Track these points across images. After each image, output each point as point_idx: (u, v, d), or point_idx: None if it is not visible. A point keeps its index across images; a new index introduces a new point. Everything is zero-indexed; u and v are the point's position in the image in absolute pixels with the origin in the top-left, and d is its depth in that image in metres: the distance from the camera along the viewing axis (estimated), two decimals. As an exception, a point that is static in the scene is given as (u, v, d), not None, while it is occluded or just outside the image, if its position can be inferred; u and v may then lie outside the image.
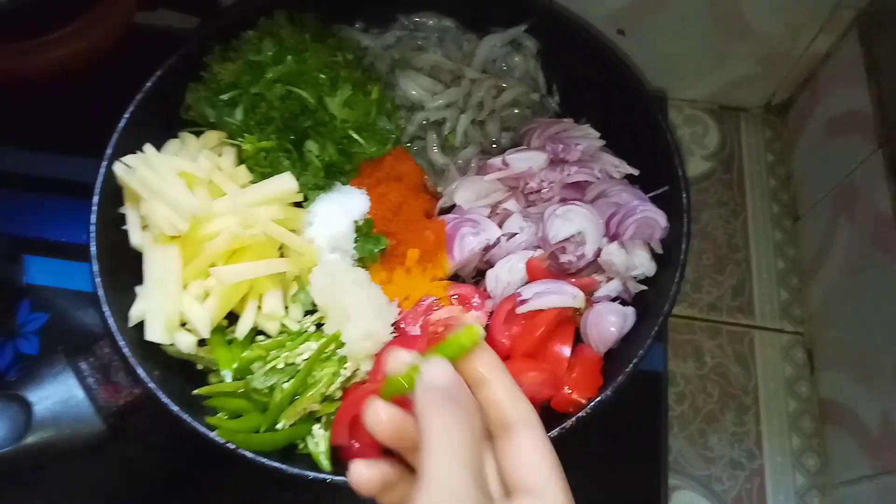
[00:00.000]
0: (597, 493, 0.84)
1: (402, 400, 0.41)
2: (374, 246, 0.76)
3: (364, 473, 0.41)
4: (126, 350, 0.63)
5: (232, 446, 0.60)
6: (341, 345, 0.68)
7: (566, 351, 0.69)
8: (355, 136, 0.77)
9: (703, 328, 1.11)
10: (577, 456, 0.84)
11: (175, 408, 0.60)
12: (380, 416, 0.41)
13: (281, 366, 0.67)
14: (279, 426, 0.65)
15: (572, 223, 0.71)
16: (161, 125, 0.78)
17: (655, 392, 0.87)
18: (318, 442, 0.66)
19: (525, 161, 0.75)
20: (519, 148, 0.78)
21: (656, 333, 0.64)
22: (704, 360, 1.09)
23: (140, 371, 0.62)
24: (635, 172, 0.77)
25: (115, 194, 0.73)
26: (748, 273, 1.15)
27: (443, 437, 0.37)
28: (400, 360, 0.43)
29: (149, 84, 0.76)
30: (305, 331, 0.72)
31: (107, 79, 0.84)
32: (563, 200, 0.74)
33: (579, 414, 0.62)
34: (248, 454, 0.59)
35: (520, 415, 0.41)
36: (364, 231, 0.76)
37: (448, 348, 0.42)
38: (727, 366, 1.09)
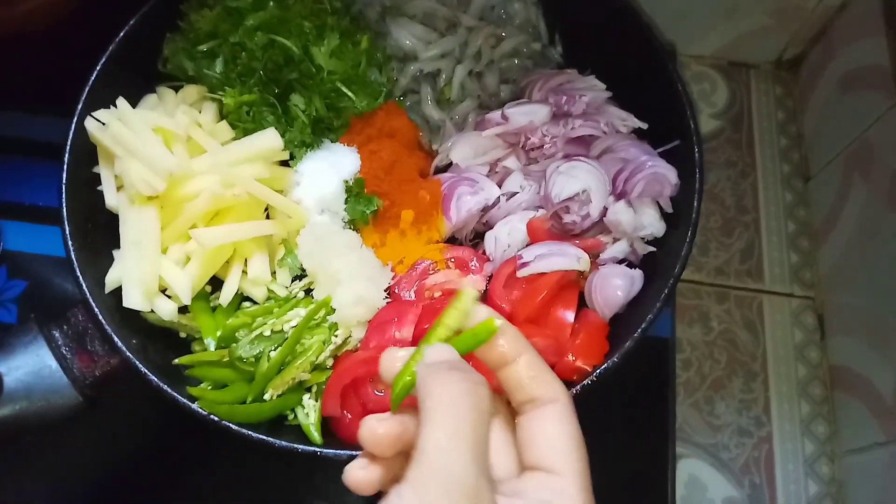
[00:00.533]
0: (601, 463, 0.82)
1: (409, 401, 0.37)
2: (365, 207, 0.72)
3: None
4: (101, 317, 0.59)
5: (215, 418, 0.56)
6: (332, 311, 0.65)
7: (570, 316, 0.65)
8: (344, 89, 0.72)
9: (710, 293, 1.08)
10: (582, 423, 0.82)
11: (154, 378, 0.57)
12: (377, 433, 0.36)
13: (268, 333, 0.63)
14: (266, 397, 0.61)
15: (577, 180, 0.67)
16: (137, 79, 0.73)
17: (662, 359, 0.84)
18: (309, 413, 0.63)
19: (526, 115, 0.70)
20: (519, 101, 0.73)
21: (666, 297, 0.60)
22: (711, 325, 1.06)
23: (116, 339, 0.58)
24: (644, 126, 0.72)
25: (88, 153, 0.69)
26: (757, 236, 1.11)
27: (442, 411, 0.33)
28: (396, 358, 0.38)
29: (121, 34, 0.71)
30: (294, 296, 0.68)
31: (79, 33, 0.79)
32: (567, 156, 0.69)
33: (584, 382, 0.58)
34: (233, 426, 0.56)
35: (545, 391, 0.38)
36: (355, 191, 0.72)
37: (462, 343, 0.38)
38: (735, 331, 1.06)
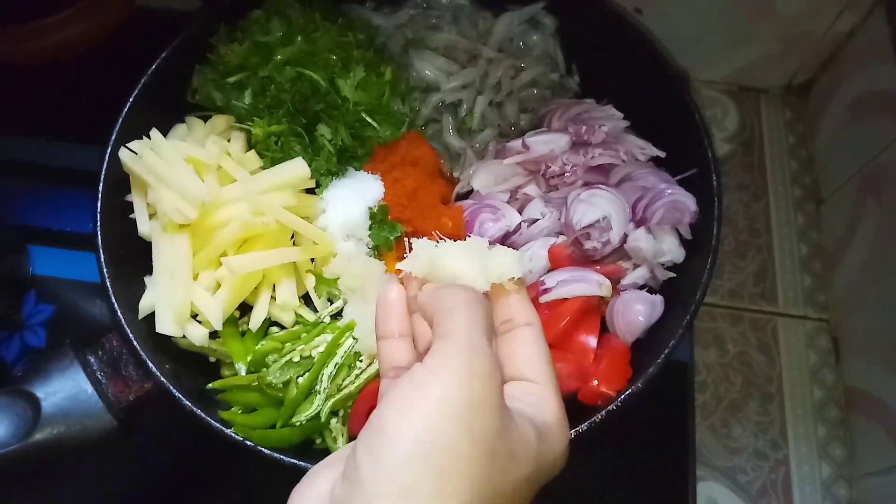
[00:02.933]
0: (623, 485, 0.83)
1: None
2: (389, 233, 0.73)
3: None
4: (136, 343, 0.60)
5: (249, 443, 0.57)
6: (354, 337, 0.66)
7: (592, 341, 0.67)
8: (368, 119, 0.74)
9: (724, 315, 1.08)
10: (602, 446, 0.83)
11: (188, 403, 0.58)
12: (389, 295, 0.46)
13: (296, 359, 0.64)
14: (295, 420, 0.62)
15: (597, 208, 0.68)
16: (167, 109, 0.75)
17: (682, 383, 0.84)
18: (336, 437, 0.64)
19: (546, 143, 0.72)
20: (539, 130, 0.75)
21: (688, 323, 0.62)
22: (727, 347, 1.07)
23: (151, 364, 0.59)
24: (662, 154, 0.73)
25: (121, 182, 0.71)
26: (770, 259, 1.12)
27: (460, 307, 0.41)
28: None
29: (153, 67, 0.73)
30: (321, 321, 0.69)
31: (111, 63, 0.82)
32: (587, 184, 0.71)
33: (609, 407, 0.59)
34: (266, 451, 0.57)
35: (523, 314, 0.45)
36: (379, 218, 0.74)
37: None
38: (750, 354, 1.07)
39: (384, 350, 0.45)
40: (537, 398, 0.42)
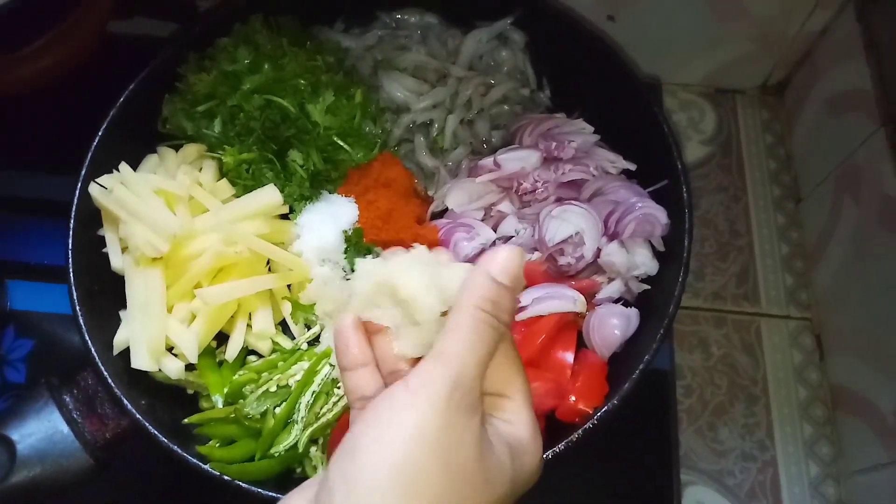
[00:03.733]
0: (607, 494, 0.83)
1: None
2: (364, 256, 0.73)
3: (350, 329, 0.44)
4: (110, 380, 0.60)
5: (227, 478, 0.57)
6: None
7: (569, 357, 0.67)
8: (340, 142, 0.74)
9: (707, 318, 1.09)
10: (586, 457, 0.83)
11: (164, 439, 0.58)
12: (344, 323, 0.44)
13: (273, 388, 0.64)
14: (273, 451, 0.62)
15: (569, 223, 0.68)
16: (138, 139, 0.75)
17: (663, 391, 0.85)
18: (316, 465, 0.64)
19: (517, 161, 0.72)
20: (510, 147, 0.75)
21: (662, 337, 0.62)
22: (711, 350, 1.07)
23: (126, 402, 0.59)
24: (632, 167, 0.74)
25: (93, 215, 0.70)
26: (751, 259, 1.12)
27: (468, 328, 0.39)
28: None
29: (122, 99, 0.73)
30: (298, 348, 0.69)
31: (82, 91, 0.81)
32: (559, 200, 0.71)
33: (585, 426, 0.59)
34: (244, 485, 0.57)
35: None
36: (354, 241, 0.74)
37: None
38: (734, 356, 1.07)
39: (349, 381, 0.44)
40: (510, 413, 0.41)
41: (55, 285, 0.86)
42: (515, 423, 0.41)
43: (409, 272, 0.41)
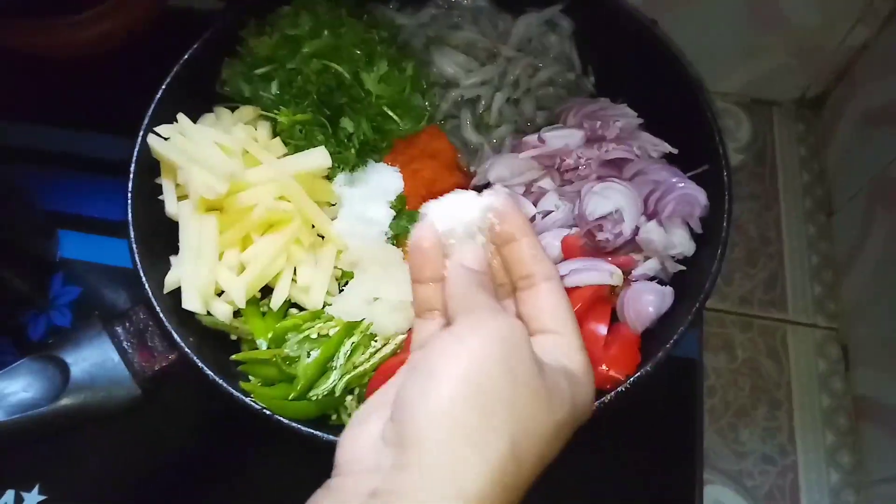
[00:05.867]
0: (628, 482, 0.83)
1: None
2: (407, 223, 0.76)
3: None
4: (162, 315, 0.63)
5: (268, 412, 0.59)
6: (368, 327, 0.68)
7: (602, 329, 0.68)
8: (390, 112, 0.76)
9: (734, 321, 1.09)
10: (609, 444, 0.84)
11: (210, 372, 0.60)
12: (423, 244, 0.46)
13: (314, 336, 0.66)
14: (311, 395, 0.64)
15: (610, 200, 0.70)
16: (196, 99, 0.78)
17: (691, 380, 0.85)
18: (351, 413, 0.65)
19: (562, 138, 0.74)
20: (555, 126, 0.77)
21: (697, 310, 0.63)
22: (736, 353, 1.07)
23: (176, 336, 0.62)
24: (674, 151, 0.75)
25: (151, 166, 0.73)
26: (781, 267, 1.13)
27: (474, 284, 0.44)
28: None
29: (184, 58, 0.76)
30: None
31: (142, 57, 0.85)
32: (601, 178, 0.73)
33: (618, 389, 0.60)
34: (283, 420, 0.59)
35: (542, 269, 0.45)
36: (398, 207, 0.76)
37: None
38: (759, 360, 1.07)
39: (419, 293, 0.47)
40: (564, 349, 0.44)
41: (105, 238, 0.90)
42: (570, 356, 0.43)
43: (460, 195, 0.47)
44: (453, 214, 0.46)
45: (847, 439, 1.02)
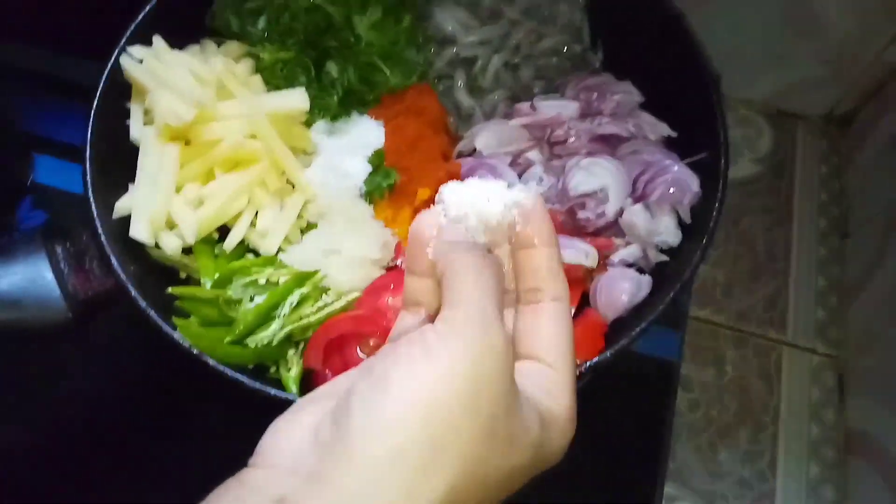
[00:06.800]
0: (584, 486, 0.78)
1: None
2: (383, 180, 0.72)
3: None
4: (103, 237, 0.59)
5: (195, 350, 0.55)
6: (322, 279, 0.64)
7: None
8: (379, 63, 0.72)
9: (728, 336, 1.04)
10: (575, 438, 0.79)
11: (143, 302, 0.56)
12: (424, 234, 0.41)
13: (263, 281, 0.62)
14: (249, 342, 0.60)
15: (596, 177, 0.66)
16: (183, 29, 0.74)
17: (666, 382, 0.80)
18: (291, 367, 0.62)
19: (555, 108, 0.70)
20: (550, 95, 0.73)
21: (671, 299, 0.58)
22: (725, 369, 1.02)
23: (114, 260, 0.58)
24: (673, 134, 0.71)
25: (124, 90, 0.70)
26: (785, 286, 1.08)
27: (473, 272, 0.38)
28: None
29: (174, -19, 0.72)
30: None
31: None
32: (590, 154, 0.68)
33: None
34: (210, 361, 0.55)
35: (554, 287, 0.40)
36: (374, 163, 0.72)
37: None
38: (749, 379, 1.02)
39: (410, 283, 0.42)
40: (551, 385, 0.38)
41: (79, 166, 0.87)
42: (554, 395, 0.38)
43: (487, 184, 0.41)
44: (473, 203, 0.40)
45: (832, 473, 0.96)
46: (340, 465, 0.32)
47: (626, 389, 0.78)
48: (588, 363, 0.56)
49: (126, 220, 0.64)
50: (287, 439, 0.35)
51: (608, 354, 0.56)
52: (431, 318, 0.40)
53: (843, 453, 0.96)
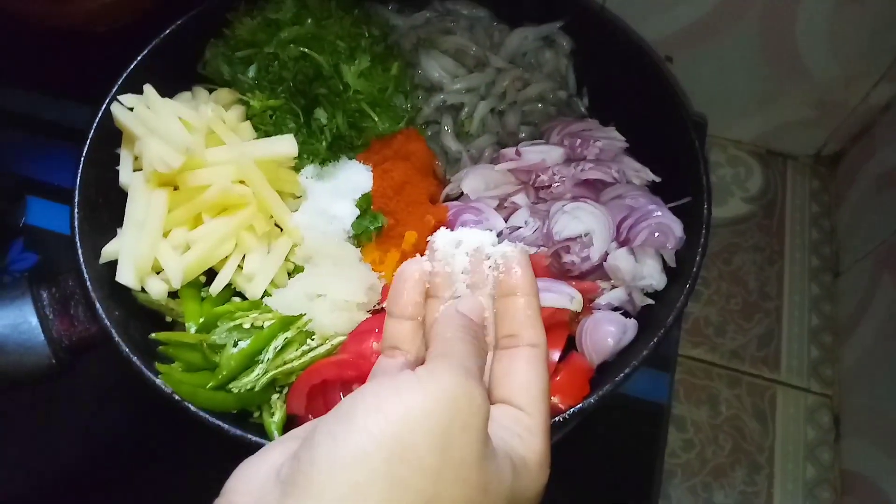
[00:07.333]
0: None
1: None
2: (370, 223, 0.72)
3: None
4: (88, 283, 0.60)
5: (176, 396, 0.55)
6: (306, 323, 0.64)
7: (554, 355, 0.63)
8: (368, 109, 0.74)
9: (721, 375, 1.04)
10: (554, 486, 0.78)
11: (126, 348, 0.57)
12: (413, 276, 0.43)
13: (247, 325, 0.62)
14: (232, 386, 0.60)
15: (580, 222, 0.66)
16: (175, 77, 0.76)
17: (655, 425, 0.80)
18: (274, 412, 0.61)
19: (539, 153, 0.70)
20: (535, 141, 0.73)
21: (655, 345, 0.58)
22: (720, 409, 1.01)
23: (98, 305, 0.58)
24: (657, 179, 0.71)
25: (114, 135, 0.71)
26: (777, 325, 1.07)
27: (465, 334, 0.40)
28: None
29: (166, 32, 0.74)
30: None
31: (128, 33, 0.84)
32: (575, 199, 0.69)
33: (556, 418, 0.55)
34: (191, 407, 0.55)
35: (530, 334, 0.41)
36: (362, 207, 0.73)
37: None
38: (743, 419, 1.01)
39: (390, 327, 0.42)
40: (523, 430, 0.38)
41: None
42: (527, 441, 0.38)
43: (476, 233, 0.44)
44: (462, 250, 0.43)
45: (828, 515, 0.95)
46: (301, 499, 0.32)
47: (615, 432, 0.77)
48: (572, 409, 0.56)
49: (113, 265, 0.65)
50: (253, 477, 0.35)
51: (592, 400, 0.55)
52: (409, 365, 0.40)
53: (839, 495, 0.94)
